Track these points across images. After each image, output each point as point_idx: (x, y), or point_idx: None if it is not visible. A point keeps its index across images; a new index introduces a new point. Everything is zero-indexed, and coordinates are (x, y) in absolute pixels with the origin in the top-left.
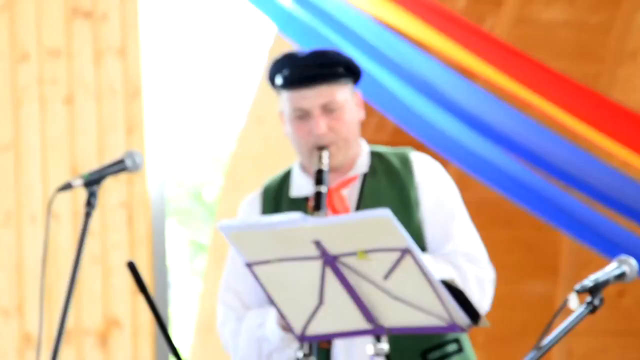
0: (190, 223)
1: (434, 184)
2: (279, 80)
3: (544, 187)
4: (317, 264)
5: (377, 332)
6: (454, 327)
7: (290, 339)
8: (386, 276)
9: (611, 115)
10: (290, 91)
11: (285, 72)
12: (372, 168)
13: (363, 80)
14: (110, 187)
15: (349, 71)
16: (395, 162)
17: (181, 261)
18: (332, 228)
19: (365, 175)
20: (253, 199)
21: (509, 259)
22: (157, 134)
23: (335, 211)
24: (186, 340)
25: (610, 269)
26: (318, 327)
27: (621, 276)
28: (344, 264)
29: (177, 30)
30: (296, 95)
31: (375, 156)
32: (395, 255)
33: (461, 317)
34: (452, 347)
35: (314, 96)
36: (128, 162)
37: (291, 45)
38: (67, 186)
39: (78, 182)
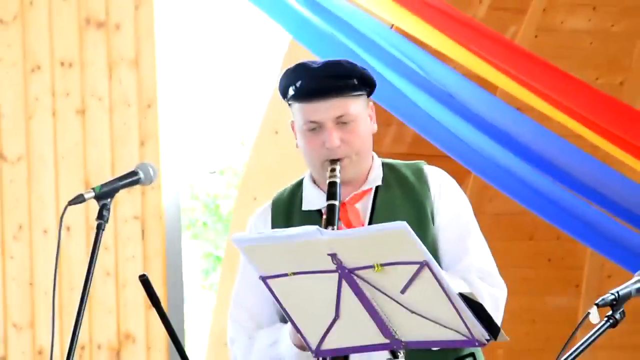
0: (207, 236)
1: (449, 198)
2: (291, 91)
3: (566, 200)
4: (333, 278)
5: (394, 347)
6: (473, 341)
7: (305, 356)
8: (403, 290)
9: (636, 125)
10: (303, 103)
11: (298, 83)
12: (385, 181)
13: (383, 88)
14: (124, 200)
15: (363, 83)
16: (409, 174)
17: (197, 275)
18: (349, 241)
19: (378, 188)
20: (263, 211)
21: (531, 272)
22: (172, 145)
23: (349, 225)
24: (201, 354)
25: (632, 282)
26: (334, 342)
27: None
28: (361, 277)
29: (191, 40)
30: (309, 108)
31: (388, 169)
32: (413, 269)
33: (480, 331)
34: None
35: (327, 109)
36: (141, 175)
37: (306, 54)
38: (80, 199)
39: (90, 195)
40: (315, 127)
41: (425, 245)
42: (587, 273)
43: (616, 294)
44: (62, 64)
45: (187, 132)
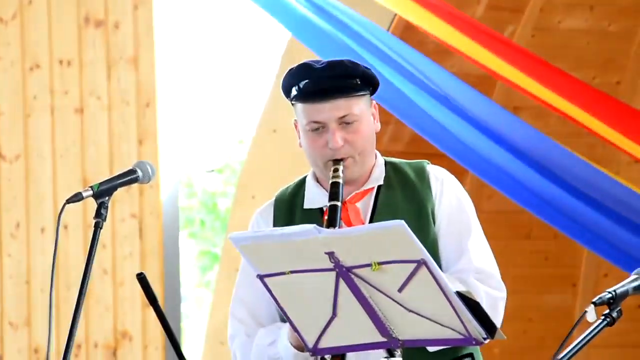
0: (204, 234)
1: (451, 198)
2: (294, 92)
3: (560, 199)
4: (331, 276)
5: (391, 345)
6: (470, 339)
7: (303, 357)
8: (401, 288)
9: (634, 122)
10: (306, 103)
11: (301, 84)
12: (388, 180)
13: (381, 87)
14: (121, 198)
15: (366, 82)
16: (411, 174)
17: (195, 273)
18: (346, 239)
19: (380, 187)
20: (265, 209)
21: (528, 271)
22: (170, 144)
23: (349, 224)
24: (198, 353)
25: (629, 280)
26: (331, 340)
27: None
28: (358, 276)
29: (190, 39)
30: (312, 108)
31: (391, 168)
32: (410, 267)
33: (477, 330)
34: None
35: (330, 109)
36: (140, 173)
37: (305, 52)
38: (77, 197)
39: (88, 193)
40: (318, 127)
41: (425, 245)
42: (584, 272)
43: (613, 293)
44: (61, 62)
45: (185, 130)
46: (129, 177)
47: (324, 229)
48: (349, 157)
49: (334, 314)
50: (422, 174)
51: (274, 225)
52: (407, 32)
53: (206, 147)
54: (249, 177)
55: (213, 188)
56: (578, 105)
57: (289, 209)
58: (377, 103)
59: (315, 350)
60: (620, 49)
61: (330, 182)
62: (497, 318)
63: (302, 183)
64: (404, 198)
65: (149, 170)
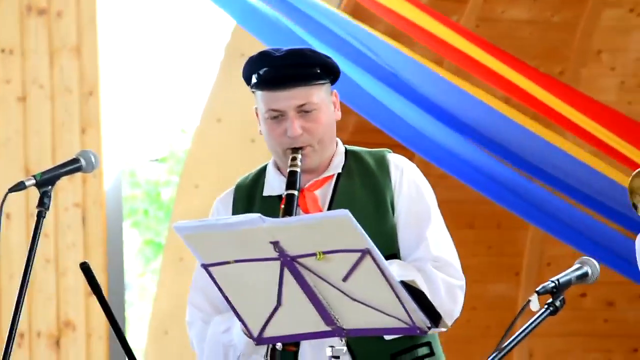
0: (147, 224)
1: (410, 187)
2: (254, 79)
3: (510, 178)
4: (275, 265)
5: (336, 335)
6: (414, 328)
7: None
8: (345, 277)
9: (579, 102)
10: (265, 91)
11: (261, 71)
12: (348, 168)
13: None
14: (64, 187)
15: (326, 71)
16: (371, 162)
17: (138, 263)
18: (291, 229)
19: (339, 176)
20: (225, 196)
21: (471, 260)
22: (113, 132)
23: (307, 211)
24: (142, 342)
25: (572, 270)
26: (276, 330)
27: (583, 277)
28: (303, 265)
29: (133, 27)
30: (271, 96)
31: (351, 156)
32: (355, 257)
33: (421, 319)
34: (422, 351)
35: (289, 97)
36: (83, 162)
37: (250, 41)
38: (20, 186)
39: (31, 182)
40: (277, 116)
41: (382, 234)
42: (527, 261)
43: (556, 282)
44: (3, 50)
45: (129, 119)
46: (72, 166)
47: (268, 219)
48: (308, 145)
49: (279, 303)
50: (382, 163)
51: (233, 212)
52: (358, 11)
53: (149, 137)
54: (192, 167)
55: (156, 177)
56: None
57: (249, 196)
58: (337, 93)
59: (259, 340)
60: (563, 39)
61: (288, 170)
62: (456, 306)
63: (262, 170)
64: (362, 187)
65: (92, 159)
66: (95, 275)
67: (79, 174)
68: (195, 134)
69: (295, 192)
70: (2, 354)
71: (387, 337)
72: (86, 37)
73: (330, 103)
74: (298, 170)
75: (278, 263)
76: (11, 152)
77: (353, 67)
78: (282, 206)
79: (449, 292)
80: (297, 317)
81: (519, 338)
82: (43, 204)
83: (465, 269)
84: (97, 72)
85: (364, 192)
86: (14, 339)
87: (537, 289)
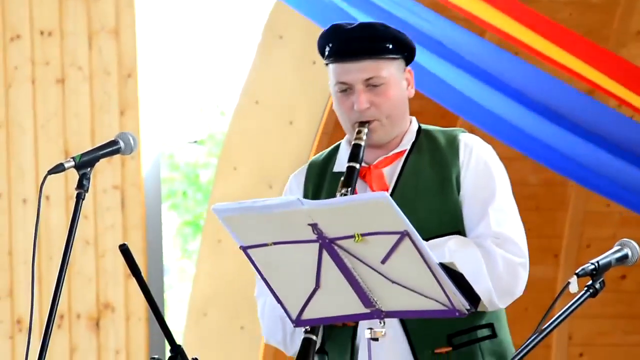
0: (186, 205)
1: (478, 164)
2: (326, 52)
3: (558, 140)
4: (314, 248)
5: (374, 317)
6: (453, 311)
7: None
8: (384, 260)
9: (620, 68)
10: (335, 64)
11: (331, 44)
12: (418, 146)
13: None
14: (103, 169)
15: (398, 47)
16: (442, 140)
17: (177, 245)
18: (329, 211)
19: (409, 153)
20: (298, 172)
21: None
22: (152, 115)
23: (372, 188)
24: (181, 323)
25: (612, 252)
26: (314, 312)
27: (623, 259)
28: (341, 247)
29: (172, 8)
30: (340, 69)
31: (424, 134)
32: (393, 239)
33: (460, 301)
34: (483, 332)
35: (357, 70)
36: (122, 144)
37: (289, 20)
38: (59, 168)
39: (70, 164)
40: (345, 89)
41: (445, 211)
42: (566, 243)
43: (596, 264)
44: (42, 33)
45: (167, 101)
46: (110, 149)
47: (307, 200)
48: (375, 120)
49: (317, 286)
50: (452, 141)
51: (304, 188)
52: None
53: (188, 119)
54: (231, 149)
55: (195, 159)
56: (570, 52)
57: (320, 172)
58: (411, 70)
59: (298, 322)
60: (602, 20)
61: (352, 143)
62: (518, 283)
63: (337, 147)
64: (430, 164)
65: (131, 142)
66: (134, 257)
67: (117, 156)
68: (233, 116)
69: (357, 165)
70: (43, 335)
71: (414, 317)
72: (124, 19)
73: (402, 79)
74: (362, 143)
75: (317, 245)
76: (50, 134)
77: None
78: (342, 179)
79: (509, 269)
80: (336, 299)
81: (558, 320)
82: (82, 186)
83: None
84: (136, 54)
85: (430, 169)
86: (54, 320)
87: (577, 271)
